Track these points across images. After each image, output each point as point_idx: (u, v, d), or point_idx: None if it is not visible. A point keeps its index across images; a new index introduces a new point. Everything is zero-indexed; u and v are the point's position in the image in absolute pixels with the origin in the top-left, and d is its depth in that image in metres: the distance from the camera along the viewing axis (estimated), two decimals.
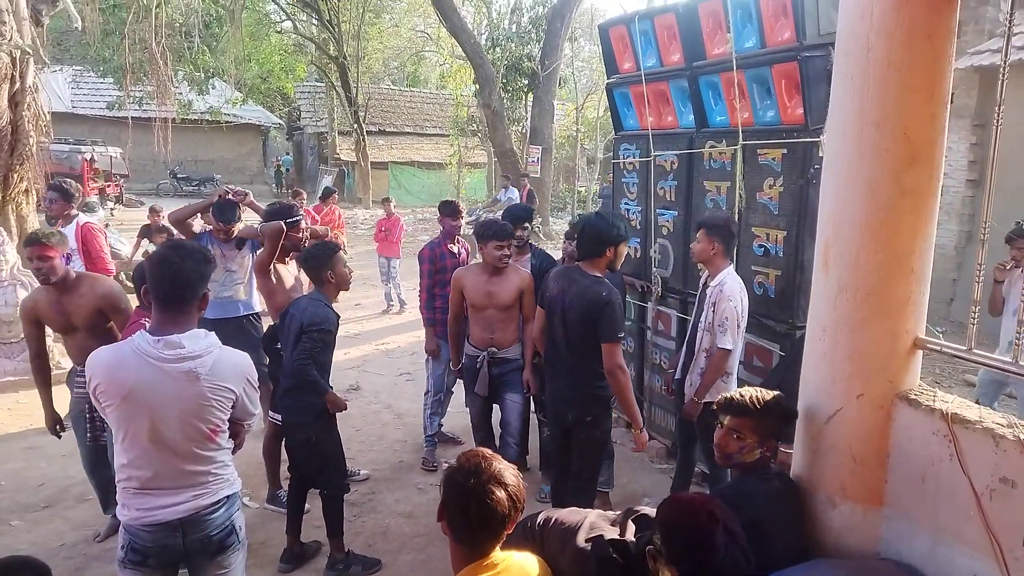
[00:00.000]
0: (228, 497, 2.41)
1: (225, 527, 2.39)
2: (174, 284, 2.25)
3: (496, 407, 4.53)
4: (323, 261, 3.72)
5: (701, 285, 4.03)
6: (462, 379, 4.68)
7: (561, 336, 3.59)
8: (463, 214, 5.35)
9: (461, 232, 5.43)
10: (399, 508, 4.48)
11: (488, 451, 1.86)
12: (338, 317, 3.76)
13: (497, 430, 4.55)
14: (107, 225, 12.08)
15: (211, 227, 5.07)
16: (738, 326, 3.73)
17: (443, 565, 3.78)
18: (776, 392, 2.43)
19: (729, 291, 3.71)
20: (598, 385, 3.54)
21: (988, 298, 4.86)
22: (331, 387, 3.76)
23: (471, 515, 1.74)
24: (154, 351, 2.19)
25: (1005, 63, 2.02)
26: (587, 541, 2.02)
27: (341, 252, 3.91)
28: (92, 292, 3.67)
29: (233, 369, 2.33)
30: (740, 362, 4.27)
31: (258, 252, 4.62)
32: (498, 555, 1.81)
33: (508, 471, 1.80)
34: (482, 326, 4.35)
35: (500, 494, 1.74)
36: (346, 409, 3.77)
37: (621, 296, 4.13)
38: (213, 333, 2.36)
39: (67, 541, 3.96)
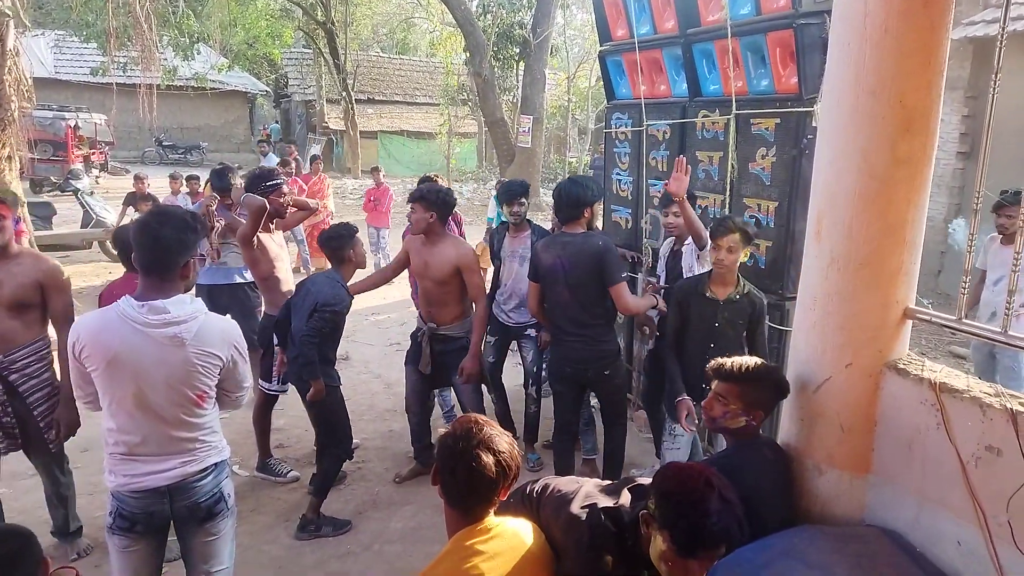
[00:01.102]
0: (216, 464, 2.42)
1: (213, 494, 2.41)
2: (154, 251, 2.25)
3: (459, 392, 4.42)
4: (345, 241, 3.89)
5: (669, 251, 4.19)
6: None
7: (568, 299, 3.71)
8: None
9: None
10: (389, 476, 4.50)
11: (482, 417, 1.86)
12: (351, 298, 3.88)
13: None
14: (92, 193, 11.95)
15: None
16: None
17: (433, 532, 3.81)
18: (771, 364, 2.44)
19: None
20: (608, 339, 3.81)
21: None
22: (335, 361, 3.99)
23: (459, 479, 1.76)
24: (139, 316, 2.20)
25: (1003, 32, 2.00)
26: (582, 508, 2.03)
27: (358, 233, 4.02)
28: (35, 267, 3.23)
29: (219, 335, 2.33)
30: None
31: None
32: (492, 520, 1.82)
33: (500, 438, 1.80)
34: (423, 298, 4.22)
35: (488, 459, 1.75)
36: (322, 397, 3.81)
37: None
38: (199, 299, 2.36)
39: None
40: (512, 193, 4.57)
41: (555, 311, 3.82)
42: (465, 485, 1.77)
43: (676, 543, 1.79)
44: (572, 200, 3.73)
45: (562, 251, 3.68)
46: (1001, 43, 1.99)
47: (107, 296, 3.32)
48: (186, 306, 2.26)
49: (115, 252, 3.81)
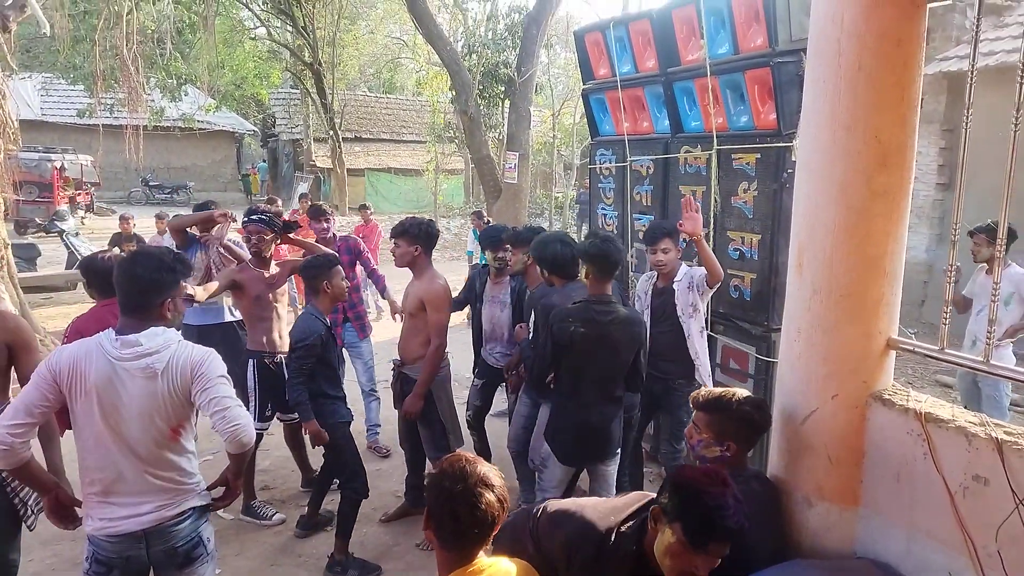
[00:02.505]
0: (195, 508, 2.38)
1: (191, 539, 2.36)
2: (131, 290, 2.28)
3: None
4: (320, 272, 3.83)
5: (652, 289, 4.09)
6: None
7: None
8: (330, 216, 5.60)
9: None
10: (377, 516, 4.43)
11: (470, 454, 1.84)
12: (327, 328, 3.80)
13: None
14: (77, 234, 11.92)
15: (199, 234, 4.96)
16: None
17: (424, 573, 3.75)
18: (751, 397, 2.45)
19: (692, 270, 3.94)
20: None
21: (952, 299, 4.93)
22: (344, 396, 3.95)
23: (462, 521, 1.71)
24: (114, 351, 2.21)
25: (973, 69, 2.06)
26: (589, 526, 2.04)
27: (339, 266, 3.97)
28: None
29: (190, 360, 2.29)
30: (718, 365, 4.30)
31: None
32: (484, 561, 1.79)
33: (492, 472, 1.78)
34: (401, 332, 4.16)
35: (490, 497, 1.72)
36: (327, 441, 3.78)
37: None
38: (172, 330, 2.36)
39: (35, 556, 3.87)
40: (495, 241, 4.51)
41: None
42: (467, 526, 1.72)
43: (687, 533, 1.79)
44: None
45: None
46: (971, 79, 2.04)
47: (72, 332, 3.28)
48: (158, 337, 2.26)
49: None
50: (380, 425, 5.52)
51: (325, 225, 5.51)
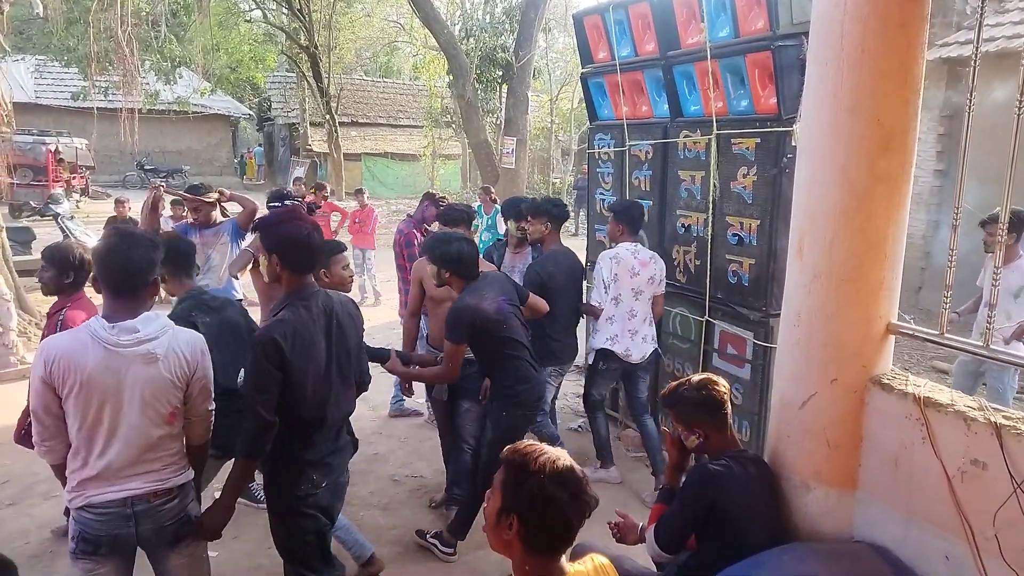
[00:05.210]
0: (181, 487, 2.40)
1: (180, 517, 2.38)
2: (124, 272, 2.25)
3: None
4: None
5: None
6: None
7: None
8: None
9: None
10: (373, 500, 4.44)
11: (527, 443, 1.68)
12: None
13: None
14: (72, 217, 11.85)
15: (193, 218, 5.02)
16: (605, 288, 4.35)
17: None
18: (700, 378, 2.46)
19: (600, 258, 4.42)
20: None
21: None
22: None
23: (574, 529, 1.59)
24: (111, 337, 2.18)
25: (976, 54, 2.04)
26: None
27: (344, 253, 3.85)
28: None
29: (189, 346, 2.33)
30: (715, 350, 4.31)
31: None
32: (576, 567, 1.68)
33: (565, 454, 1.66)
34: (439, 325, 4.01)
35: (592, 500, 1.61)
36: None
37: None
38: (164, 314, 2.37)
39: (32, 539, 3.88)
40: (517, 211, 4.73)
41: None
42: (573, 533, 1.60)
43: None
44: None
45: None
46: (975, 63, 2.03)
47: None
48: (153, 322, 2.26)
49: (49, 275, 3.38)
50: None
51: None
